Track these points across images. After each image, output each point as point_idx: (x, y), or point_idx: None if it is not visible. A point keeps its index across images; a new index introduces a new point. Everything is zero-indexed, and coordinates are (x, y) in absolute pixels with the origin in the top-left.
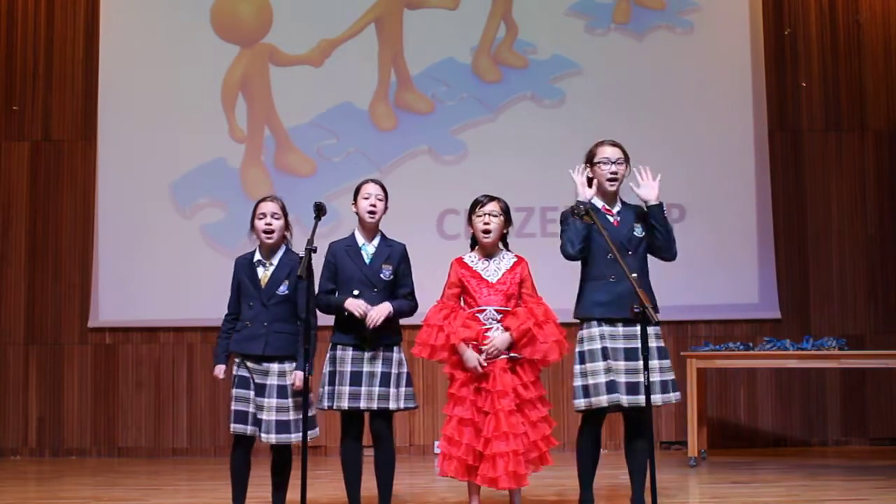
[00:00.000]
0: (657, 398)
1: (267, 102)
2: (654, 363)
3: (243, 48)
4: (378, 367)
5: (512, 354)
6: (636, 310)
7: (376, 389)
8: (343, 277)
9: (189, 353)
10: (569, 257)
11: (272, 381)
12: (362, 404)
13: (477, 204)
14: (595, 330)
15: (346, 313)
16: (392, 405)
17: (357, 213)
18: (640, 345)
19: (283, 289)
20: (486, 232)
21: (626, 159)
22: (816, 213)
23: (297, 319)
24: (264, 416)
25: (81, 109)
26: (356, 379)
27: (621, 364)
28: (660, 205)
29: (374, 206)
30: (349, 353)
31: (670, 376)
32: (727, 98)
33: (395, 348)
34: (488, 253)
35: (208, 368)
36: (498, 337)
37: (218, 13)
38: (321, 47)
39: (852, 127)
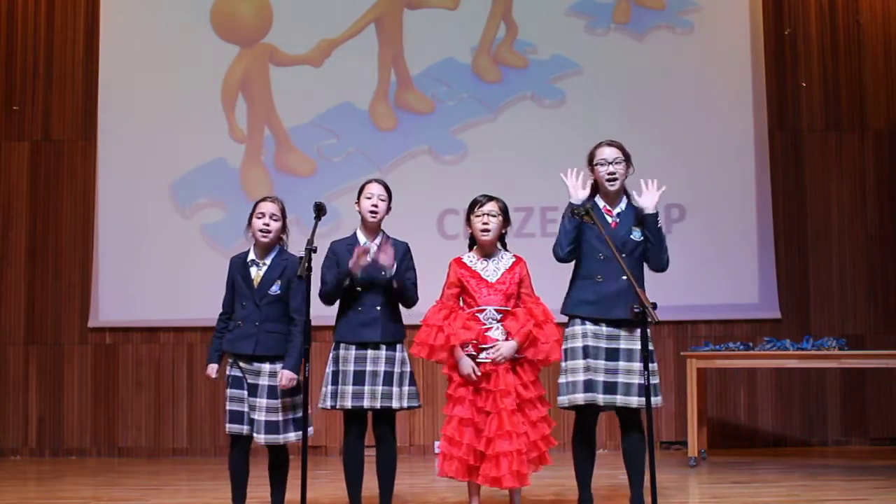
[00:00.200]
0: (632, 400)
1: (267, 102)
2: (636, 365)
3: (243, 48)
4: (381, 367)
5: (514, 356)
6: (636, 310)
7: (380, 388)
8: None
9: (189, 353)
10: (559, 259)
11: (263, 381)
12: (366, 403)
13: (475, 204)
14: (578, 328)
15: (352, 274)
16: (395, 404)
17: (359, 212)
18: (621, 345)
19: (275, 289)
20: (485, 232)
21: (627, 158)
22: (816, 213)
23: (289, 319)
24: (255, 416)
25: (81, 109)
26: (359, 378)
27: (601, 363)
28: (654, 214)
29: (375, 206)
30: (352, 352)
31: (653, 380)
32: (727, 98)
33: (399, 346)
34: (487, 253)
35: None
36: (504, 345)
37: (218, 13)
38: (321, 47)
39: (852, 127)
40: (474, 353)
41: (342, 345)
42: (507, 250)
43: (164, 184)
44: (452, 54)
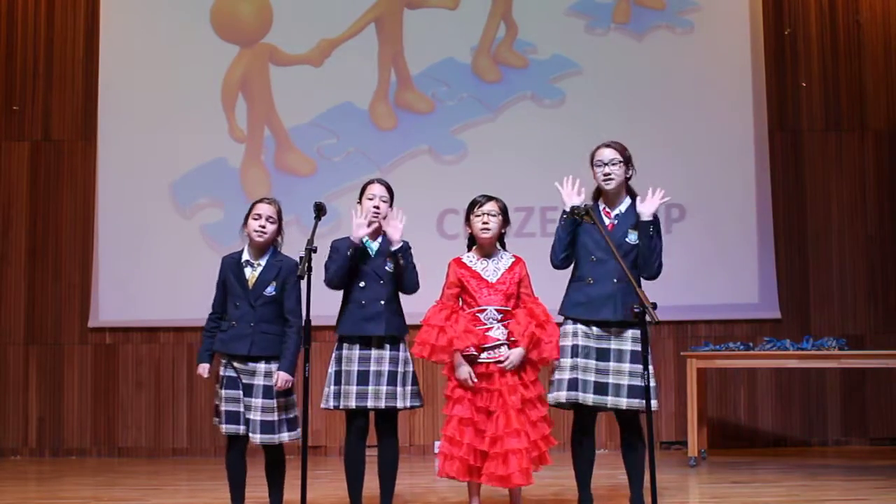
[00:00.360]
0: (622, 401)
1: (267, 102)
2: (626, 366)
3: (243, 48)
4: (385, 366)
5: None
6: (636, 310)
7: (383, 388)
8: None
9: (189, 353)
10: (555, 266)
11: (258, 381)
12: (370, 403)
13: (475, 204)
14: (569, 327)
15: (354, 245)
16: (399, 404)
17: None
18: (611, 346)
19: (270, 290)
20: (485, 231)
21: (626, 159)
22: (816, 213)
23: (284, 321)
24: (251, 416)
25: (81, 109)
26: (363, 378)
27: (592, 363)
28: (649, 222)
29: (377, 206)
30: (356, 352)
31: (642, 382)
32: (727, 98)
33: (401, 345)
34: (486, 253)
35: None
36: (514, 353)
37: (218, 13)
38: (321, 47)
39: (852, 127)
40: (476, 353)
41: (345, 344)
42: (506, 250)
43: (164, 184)
44: (452, 54)
